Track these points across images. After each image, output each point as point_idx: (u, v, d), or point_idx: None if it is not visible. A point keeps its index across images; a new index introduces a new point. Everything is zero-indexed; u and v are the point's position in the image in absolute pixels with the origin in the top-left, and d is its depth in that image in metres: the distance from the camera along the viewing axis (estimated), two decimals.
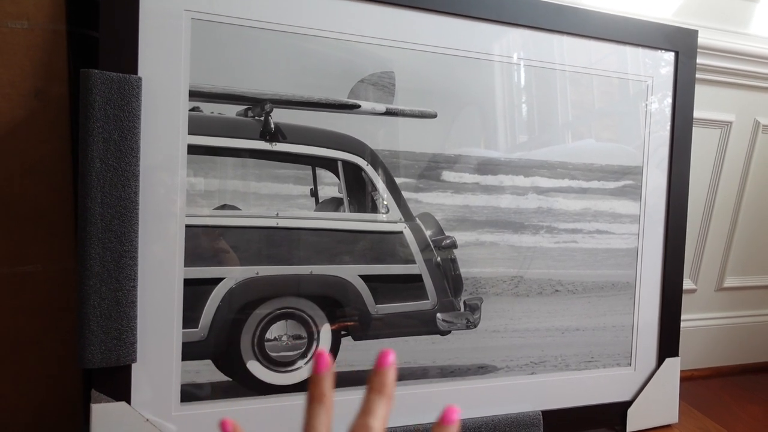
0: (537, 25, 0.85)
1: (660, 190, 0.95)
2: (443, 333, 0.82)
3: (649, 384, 0.95)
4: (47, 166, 0.72)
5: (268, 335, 0.75)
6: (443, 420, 0.37)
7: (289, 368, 0.76)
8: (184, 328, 0.70)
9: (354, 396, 0.77)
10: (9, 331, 0.74)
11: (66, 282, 0.75)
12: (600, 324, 0.92)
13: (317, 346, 0.77)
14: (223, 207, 0.71)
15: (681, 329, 0.97)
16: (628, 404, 0.94)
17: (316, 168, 0.75)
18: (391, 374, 0.37)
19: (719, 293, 1.26)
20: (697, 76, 0.97)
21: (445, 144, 0.81)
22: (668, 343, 0.96)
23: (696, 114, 0.97)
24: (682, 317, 0.98)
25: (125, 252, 0.65)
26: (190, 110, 0.69)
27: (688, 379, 1.21)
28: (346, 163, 0.76)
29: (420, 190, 0.80)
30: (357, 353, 0.78)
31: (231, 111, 0.71)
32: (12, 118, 0.69)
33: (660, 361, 0.96)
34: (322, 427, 0.36)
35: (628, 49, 0.91)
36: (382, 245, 0.79)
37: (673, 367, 0.96)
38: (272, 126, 0.73)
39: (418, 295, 0.81)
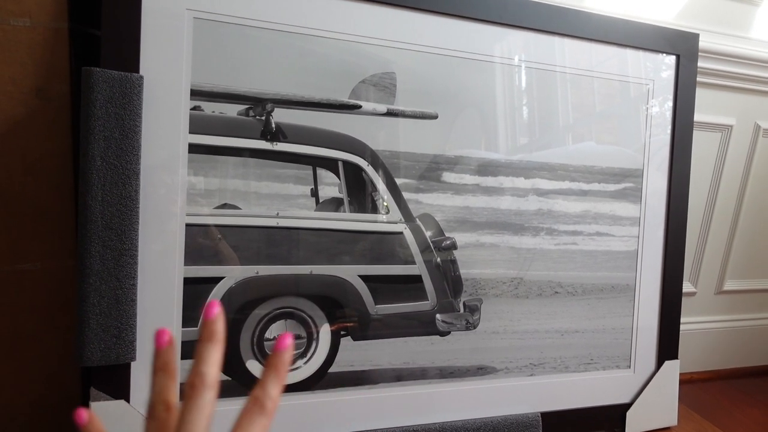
0: (538, 27, 0.85)
1: (660, 193, 0.95)
2: (443, 334, 0.82)
3: (648, 386, 0.95)
4: (48, 163, 0.72)
5: (268, 335, 0.75)
6: (277, 347, 0.39)
7: (288, 368, 0.76)
8: (183, 326, 0.70)
9: (354, 396, 0.77)
10: (8, 328, 0.74)
11: (65, 280, 0.75)
12: (599, 326, 0.92)
13: (317, 346, 0.77)
14: (224, 206, 0.71)
15: (680, 332, 0.97)
16: (627, 406, 0.94)
17: (317, 168, 0.75)
18: (219, 323, 0.39)
19: (719, 296, 1.26)
20: (698, 79, 0.97)
21: (445, 145, 0.82)
22: (668, 346, 0.96)
23: (696, 117, 0.97)
24: (682, 320, 0.98)
25: (125, 250, 0.66)
26: (191, 109, 0.69)
27: (687, 382, 1.21)
28: (347, 164, 0.76)
29: (420, 191, 0.80)
30: (356, 353, 0.78)
31: (232, 110, 0.72)
32: (13, 116, 0.70)
33: (659, 363, 0.96)
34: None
35: (629, 52, 0.92)
36: (382, 246, 0.79)
37: (672, 369, 0.96)
38: (273, 126, 0.73)
39: (417, 296, 0.81)
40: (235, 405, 0.77)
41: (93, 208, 0.64)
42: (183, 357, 0.70)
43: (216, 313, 0.39)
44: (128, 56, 0.66)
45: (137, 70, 0.66)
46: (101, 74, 0.63)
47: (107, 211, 0.64)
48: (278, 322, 0.75)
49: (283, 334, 0.40)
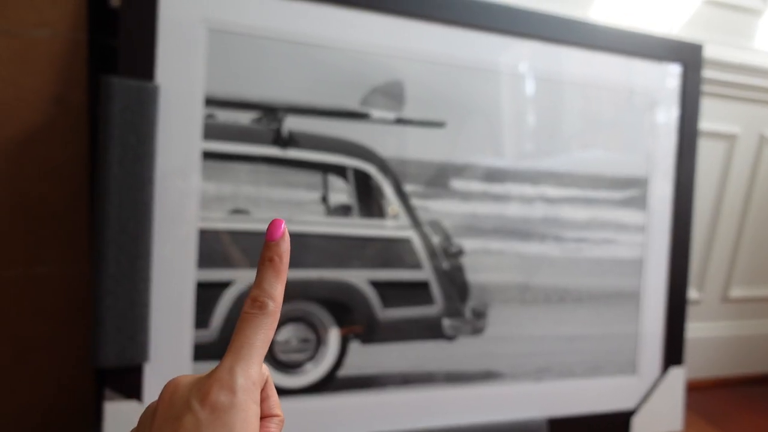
0: (544, 37, 0.86)
1: (665, 201, 0.96)
2: (450, 338, 0.83)
3: (653, 392, 0.95)
4: (66, 169, 0.74)
5: (278, 338, 0.76)
6: (269, 236, 0.34)
7: (298, 371, 0.77)
8: (195, 329, 0.71)
9: (361, 399, 0.79)
10: (25, 329, 0.75)
11: (81, 283, 0.77)
12: (605, 332, 0.93)
13: (326, 349, 0.78)
14: (236, 211, 0.73)
15: (686, 338, 0.98)
16: (632, 412, 0.94)
17: (327, 174, 0.77)
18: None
19: (725, 303, 1.27)
20: (704, 88, 0.97)
21: (453, 153, 0.83)
22: (673, 352, 0.97)
23: (702, 126, 0.98)
24: (688, 327, 0.98)
25: (140, 254, 0.67)
26: (205, 117, 0.71)
27: (693, 388, 1.21)
28: (356, 170, 0.78)
29: (428, 197, 0.82)
30: (364, 357, 0.79)
31: (245, 119, 0.73)
32: (33, 123, 0.72)
33: (665, 369, 0.96)
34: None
35: (635, 62, 0.93)
36: (391, 251, 0.80)
37: (677, 376, 0.97)
38: (285, 133, 0.74)
39: (425, 301, 0.82)
40: None
41: (109, 212, 0.65)
42: (195, 359, 0.71)
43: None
44: (144, 66, 0.68)
45: (153, 79, 0.68)
46: (119, 83, 0.65)
47: (123, 216, 0.66)
48: (288, 326, 0.76)
49: (274, 220, 0.34)
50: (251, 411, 0.30)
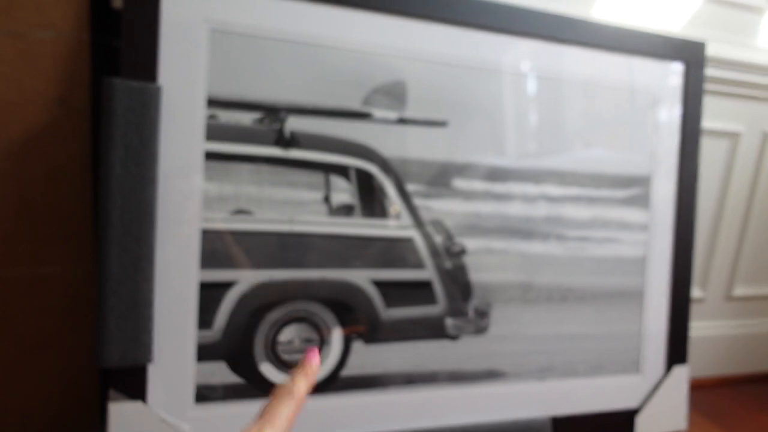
0: (546, 36, 0.86)
1: (668, 199, 0.95)
2: (452, 338, 0.83)
3: (657, 391, 0.95)
4: (69, 170, 0.74)
5: (281, 338, 0.76)
6: (307, 360, 0.51)
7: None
8: (199, 329, 0.72)
9: (364, 399, 0.79)
10: (28, 329, 0.76)
11: (84, 283, 0.77)
12: (608, 331, 0.93)
13: (328, 349, 0.78)
14: (238, 212, 0.73)
15: (690, 337, 0.98)
16: (636, 411, 0.94)
17: (329, 174, 0.77)
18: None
19: (728, 301, 1.27)
20: (707, 87, 0.97)
21: (455, 152, 0.83)
22: (677, 351, 0.97)
23: (705, 124, 0.98)
24: (692, 325, 0.98)
25: (143, 254, 0.67)
26: (207, 118, 0.71)
27: (697, 387, 1.21)
28: (359, 170, 0.78)
29: (430, 197, 0.82)
30: (367, 357, 0.80)
31: (247, 119, 0.73)
32: (36, 124, 0.72)
33: (668, 368, 0.96)
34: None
35: (637, 61, 0.93)
36: (393, 251, 0.80)
37: (681, 374, 0.97)
38: (287, 133, 0.75)
39: (427, 301, 0.82)
40: (248, 407, 0.78)
41: (112, 213, 0.66)
42: (198, 360, 0.72)
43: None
44: (147, 66, 0.68)
45: (155, 80, 0.68)
46: (121, 84, 0.65)
47: (126, 217, 0.66)
48: (291, 326, 0.76)
49: (311, 349, 0.52)
50: None
